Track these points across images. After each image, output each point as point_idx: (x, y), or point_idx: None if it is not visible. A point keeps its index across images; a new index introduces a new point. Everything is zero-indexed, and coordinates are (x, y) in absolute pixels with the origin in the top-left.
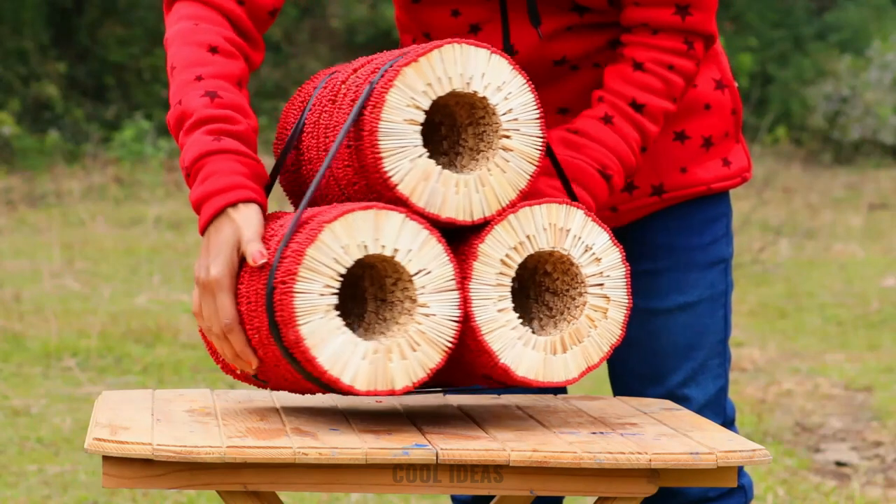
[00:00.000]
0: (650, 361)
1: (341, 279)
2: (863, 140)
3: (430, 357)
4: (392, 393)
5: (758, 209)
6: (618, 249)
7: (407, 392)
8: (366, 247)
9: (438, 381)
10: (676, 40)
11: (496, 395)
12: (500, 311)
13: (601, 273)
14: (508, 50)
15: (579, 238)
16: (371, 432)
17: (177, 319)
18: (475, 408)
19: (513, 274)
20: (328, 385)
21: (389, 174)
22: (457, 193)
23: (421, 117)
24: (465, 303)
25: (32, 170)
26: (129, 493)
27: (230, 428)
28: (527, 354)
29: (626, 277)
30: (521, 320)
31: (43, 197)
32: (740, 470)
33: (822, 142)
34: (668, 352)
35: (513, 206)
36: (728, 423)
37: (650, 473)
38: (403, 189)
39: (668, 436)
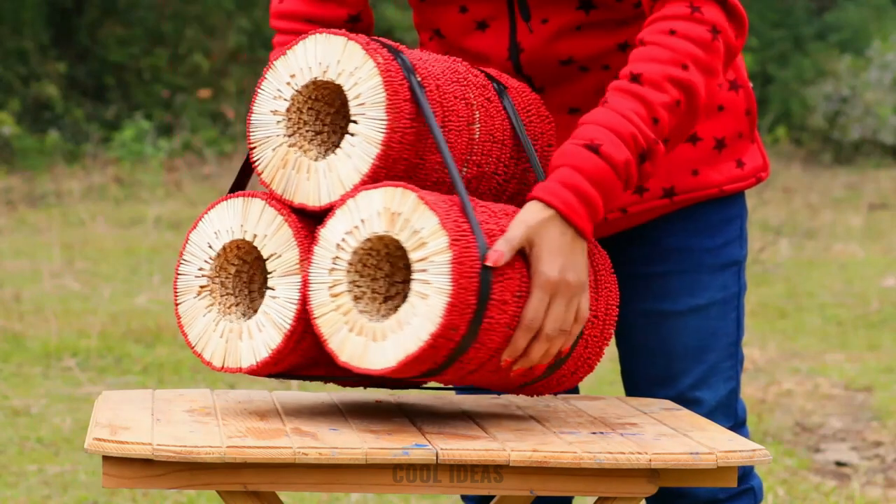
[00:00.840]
0: (661, 364)
1: (212, 261)
2: (863, 140)
3: (272, 338)
4: (240, 371)
5: (758, 209)
6: (446, 234)
7: (252, 372)
8: (233, 231)
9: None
10: (679, 5)
11: (496, 395)
12: (333, 295)
13: (426, 258)
14: (514, 48)
15: (408, 221)
16: (371, 432)
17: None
18: (475, 408)
19: (348, 257)
20: (202, 359)
21: (256, 163)
22: (308, 180)
23: (284, 107)
24: (304, 286)
25: (32, 170)
26: (129, 493)
27: (230, 428)
28: (350, 340)
29: (451, 263)
30: (359, 304)
31: (43, 197)
32: (750, 472)
33: (822, 142)
34: (679, 354)
35: (355, 191)
36: (739, 424)
37: (650, 473)
38: (265, 177)
39: (668, 436)
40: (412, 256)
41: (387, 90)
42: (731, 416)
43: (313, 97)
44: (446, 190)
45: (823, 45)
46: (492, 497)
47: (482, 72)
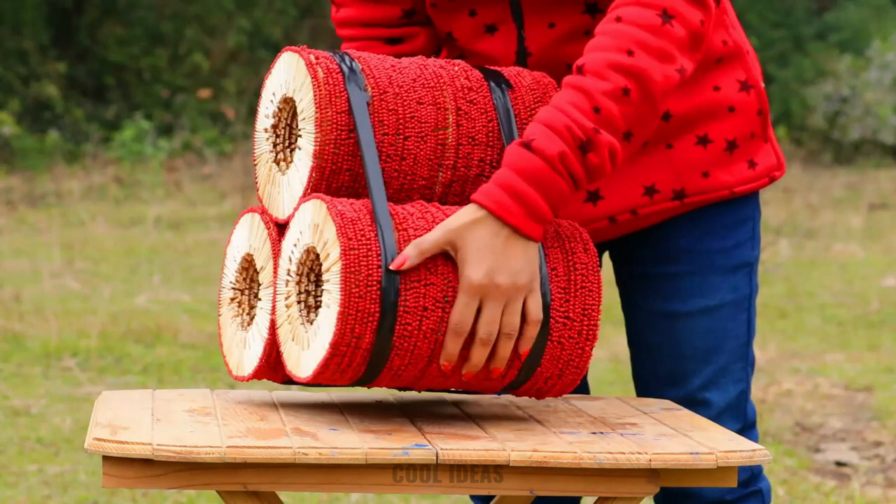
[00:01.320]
0: (671, 364)
1: (237, 274)
2: (863, 140)
3: (258, 348)
4: (245, 379)
5: None
6: (339, 244)
7: (252, 378)
8: (242, 247)
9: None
10: None
11: (496, 395)
12: (286, 305)
13: (329, 269)
14: (522, 51)
15: (323, 232)
16: (371, 432)
17: (177, 319)
18: (475, 408)
19: (295, 268)
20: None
21: (256, 180)
22: (279, 194)
23: (270, 124)
24: (274, 296)
25: (32, 170)
26: (129, 493)
27: (230, 428)
28: (293, 349)
29: (341, 273)
30: (311, 315)
31: (43, 197)
32: (759, 474)
33: (822, 142)
34: (689, 355)
35: (299, 203)
36: (749, 426)
37: (650, 473)
38: (260, 192)
39: (668, 436)
40: (323, 267)
41: (318, 104)
42: (741, 417)
43: (291, 115)
44: (406, 196)
45: (823, 45)
46: (494, 497)
47: (486, 71)
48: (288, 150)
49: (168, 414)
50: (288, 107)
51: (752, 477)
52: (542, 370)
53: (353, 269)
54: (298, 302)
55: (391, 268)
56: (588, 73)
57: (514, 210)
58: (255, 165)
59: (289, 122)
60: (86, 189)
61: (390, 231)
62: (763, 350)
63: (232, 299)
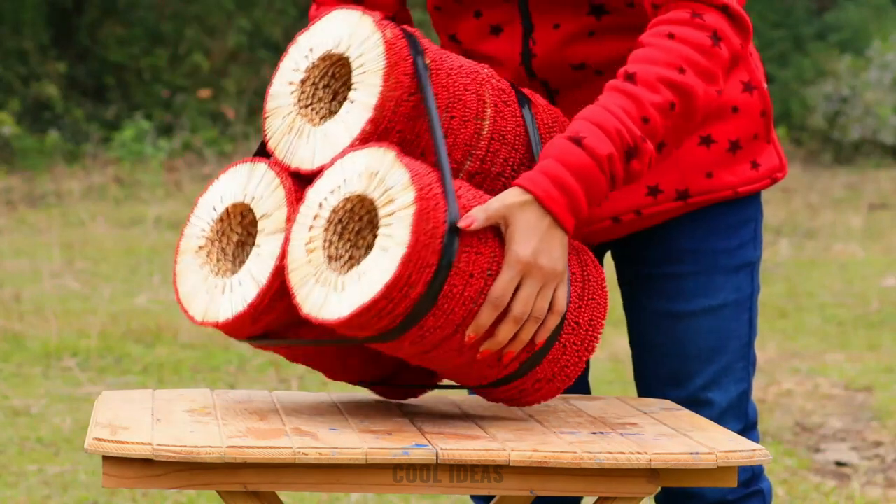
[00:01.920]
0: (673, 364)
1: (214, 224)
2: (863, 140)
3: (249, 292)
4: (217, 325)
5: None
6: (413, 189)
7: (227, 327)
8: (235, 195)
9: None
10: (681, 10)
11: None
12: (308, 250)
13: (392, 213)
14: (527, 53)
15: (383, 180)
16: (371, 432)
17: (177, 319)
18: (475, 408)
19: (327, 215)
20: (186, 314)
21: (266, 131)
22: (306, 144)
23: (299, 78)
24: (285, 243)
25: (32, 170)
26: (129, 493)
27: (230, 428)
28: (315, 291)
29: (413, 216)
30: (332, 263)
31: (43, 197)
32: (760, 474)
33: (822, 142)
34: (691, 355)
35: (343, 153)
36: (750, 426)
37: (650, 473)
38: (271, 144)
39: (668, 436)
40: (381, 213)
41: (387, 60)
42: (742, 418)
43: (330, 74)
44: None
45: (823, 45)
46: (494, 497)
47: (509, 83)
48: (323, 102)
49: (168, 414)
50: (325, 63)
51: (753, 477)
52: (539, 370)
53: (424, 217)
54: (324, 248)
55: (460, 225)
56: (640, 83)
57: (559, 200)
58: (266, 118)
59: (327, 76)
60: (86, 189)
61: (453, 192)
62: (763, 350)
63: (201, 247)
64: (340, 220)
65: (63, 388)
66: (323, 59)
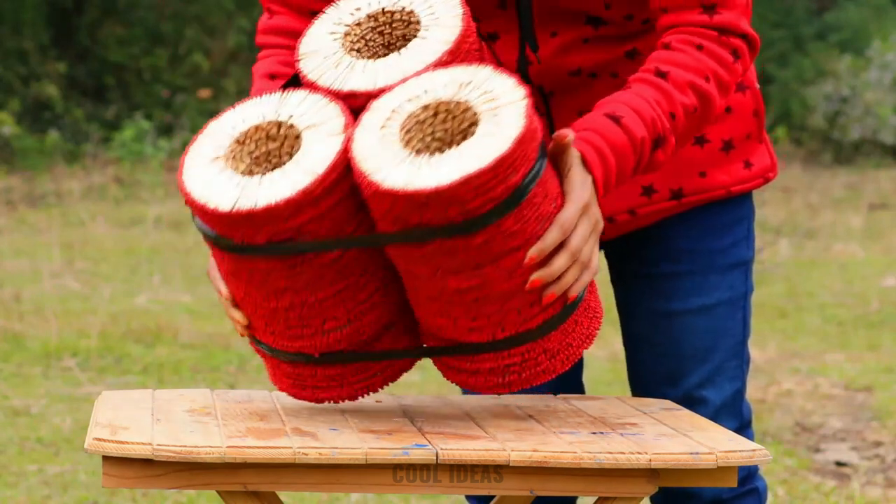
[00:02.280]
0: (668, 363)
1: (232, 143)
2: (863, 140)
3: (300, 180)
4: (252, 211)
5: (757, 209)
6: (524, 90)
7: (268, 212)
8: (264, 116)
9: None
10: (707, 30)
11: (496, 396)
12: (385, 143)
13: (499, 106)
14: (523, 60)
15: (480, 86)
16: (371, 432)
17: (177, 319)
18: (475, 408)
19: (402, 119)
20: (201, 211)
21: (301, 68)
22: (363, 73)
23: (340, 30)
24: (347, 142)
25: (32, 170)
26: (129, 493)
27: (230, 428)
28: (397, 170)
29: (527, 108)
30: (415, 152)
31: (43, 197)
32: (755, 473)
33: (822, 142)
34: (686, 353)
35: (418, 74)
36: (745, 425)
37: (650, 473)
38: (312, 77)
39: (668, 436)
40: (482, 109)
41: (463, 6)
42: (737, 416)
43: (378, 31)
44: None
45: (823, 45)
46: (493, 497)
47: None
48: (373, 47)
49: (168, 414)
50: (371, 21)
51: (748, 475)
52: (553, 337)
53: (532, 112)
54: (402, 140)
55: (556, 135)
56: (671, 82)
57: (598, 166)
58: (299, 61)
59: (373, 32)
60: (86, 189)
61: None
62: (763, 350)
63: (217, 158)
64: (419, 122)
65: (63, 388)
66: (371, 16)
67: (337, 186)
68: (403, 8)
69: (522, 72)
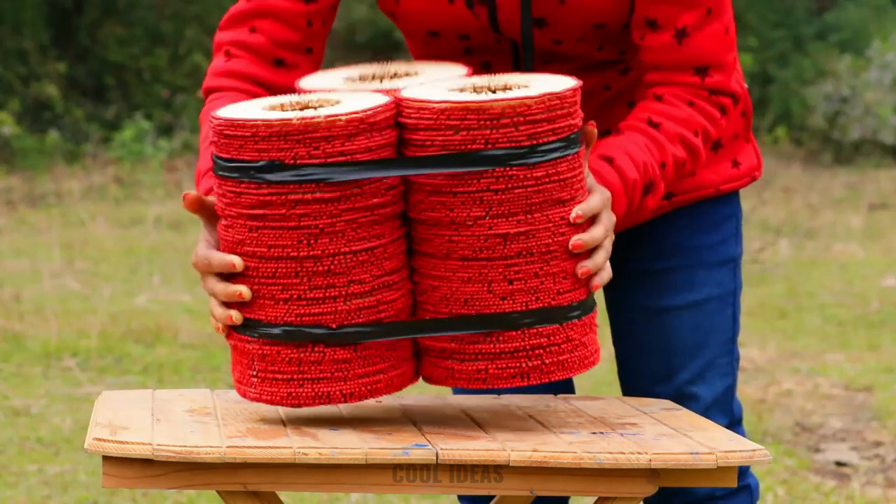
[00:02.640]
0: (659, 359)
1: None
2: (863, 140)
3: (360, 102)
4: (315, 122)
5: (757, 209)
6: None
7: (329, 123)
8: (293, 98)
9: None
10: (698, 90)
11: (496, 396)
12: (443, 90)
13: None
14: None
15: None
16: (371, 432)
17: (177, 319)
18: (475, 408)
19: (450, 84)
20: (252, 132)
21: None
22: (383, 85)
23: (355, 74)
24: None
25: (32, 170)
26: (129, 493)
27: (230, 428)
28: (474, 96)
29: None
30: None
31: (43, 197)
32: (746, 470)
33: (822, 142)
34: (676, 350)
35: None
36: (735, 422)
37: (650, 473)
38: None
39: (668, 436)
40: (524, 86)
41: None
42: (728, 413)
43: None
44: None
45: (823, 45)
46: (490, 497)
47: None
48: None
49: (168, 414)
50: (373, 76)
51: (739, 473)
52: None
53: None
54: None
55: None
56: (663, 133)
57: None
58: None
59: (380, 78)
60: (86, 189)
61: None
62: (763, 350)
63: (270, 107)
64: (469, 85)
65: (63, 388)
66: (372, 75)
67: (394, 124)
68: (407, 72)
69: None
